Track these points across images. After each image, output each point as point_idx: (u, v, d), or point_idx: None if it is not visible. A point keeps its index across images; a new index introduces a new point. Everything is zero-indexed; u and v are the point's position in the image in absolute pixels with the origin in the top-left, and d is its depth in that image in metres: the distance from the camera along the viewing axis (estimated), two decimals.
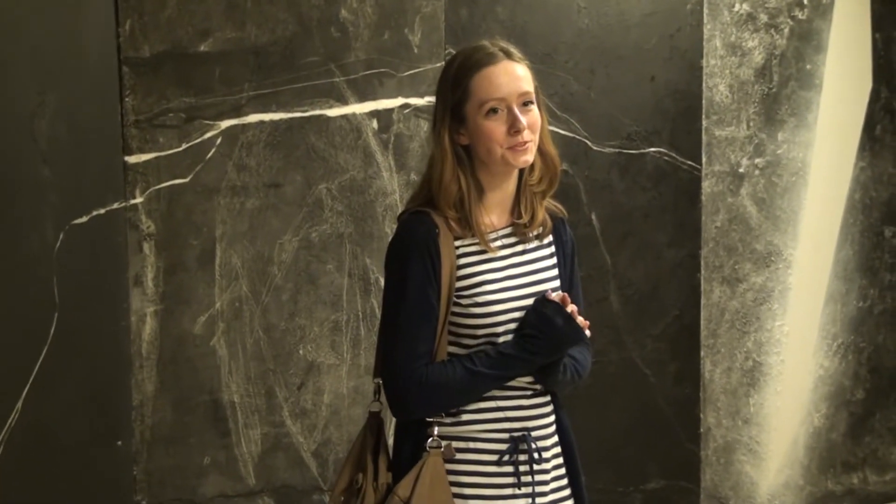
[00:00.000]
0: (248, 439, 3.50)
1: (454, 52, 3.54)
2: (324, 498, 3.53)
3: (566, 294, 2.17)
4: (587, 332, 2.16)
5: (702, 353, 3.94)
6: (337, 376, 3.55)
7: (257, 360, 3.49)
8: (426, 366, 2.13)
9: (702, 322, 3.94)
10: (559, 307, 2.13)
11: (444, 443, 2.15)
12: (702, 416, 3.95)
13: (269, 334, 3.49)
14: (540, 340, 2.14)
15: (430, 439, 2.15)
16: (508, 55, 2.17)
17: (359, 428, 2.34)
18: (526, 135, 2.13)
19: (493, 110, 2.13)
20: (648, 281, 3.86)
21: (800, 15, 3.97)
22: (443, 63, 3.54)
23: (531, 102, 2.16)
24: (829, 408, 4.15)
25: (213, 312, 3.45)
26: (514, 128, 2.12)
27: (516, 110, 2.13)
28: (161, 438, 3.41)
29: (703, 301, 3.93)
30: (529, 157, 2.16)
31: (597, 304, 3.79)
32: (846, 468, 4.20)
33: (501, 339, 2.17)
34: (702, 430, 3.95)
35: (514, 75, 2.15)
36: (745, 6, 3.92)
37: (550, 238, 2.30)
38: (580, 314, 2.22)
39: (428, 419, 2.16)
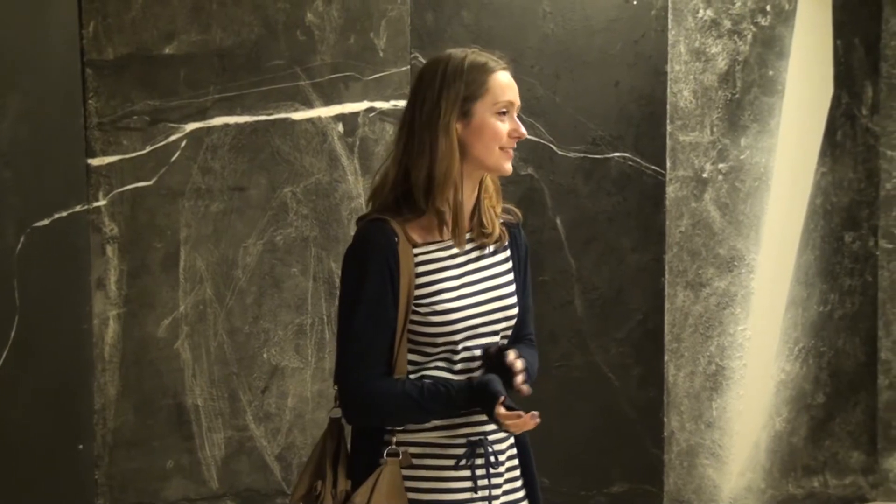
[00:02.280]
0: (211, 443, 3.49)
1: (420, 55, 3.55)
2: (287, 502, 3.53)
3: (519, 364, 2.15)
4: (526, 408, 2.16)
5: (665, 358, 3.96)
6: (301, 380, 3.54)
7: (221, 363, 3.48)
8: (379, 377, 2.14)
9: (665, 326, 3.96)
10: (497, 398, 2.12)
11: (401, 450, 2.16)
12: (665, 419, 3.97)
13: (233, 338, 3.49)
14: (476, 402, 2.16)
15: (387, 447, 2.16)
16: (506, 65, 2.25)
17: (323, 432, 2.34)
18: (516, 143, 2.23)
19: (503, 112, 2.20)
20: (613, 285, 3.88)
21: (763, 21, 4.00)
22: (408, 67, 3.55)
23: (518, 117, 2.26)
24: (791, 412, 4.18)
25: (177, 315, 3.44)
26: (516, 132, 2.21)
27: (516, 118, 2.22)
28: (123, 442, 3.39)
29: (666, 305, 3.95)
30: (511, 166, 2.24)
31: (561, 308, 3.81)
32: (807, 472, 4.24)
33: (461, 347, 2.18)
34: (665, 433, 3.97)
35: (515, 84, 2.24)
36: (709, 12, 3.94)
37: (506, 242, 2.32)
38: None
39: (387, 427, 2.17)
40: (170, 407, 3.44)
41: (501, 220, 2.32)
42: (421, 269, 2.17)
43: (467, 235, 2.25)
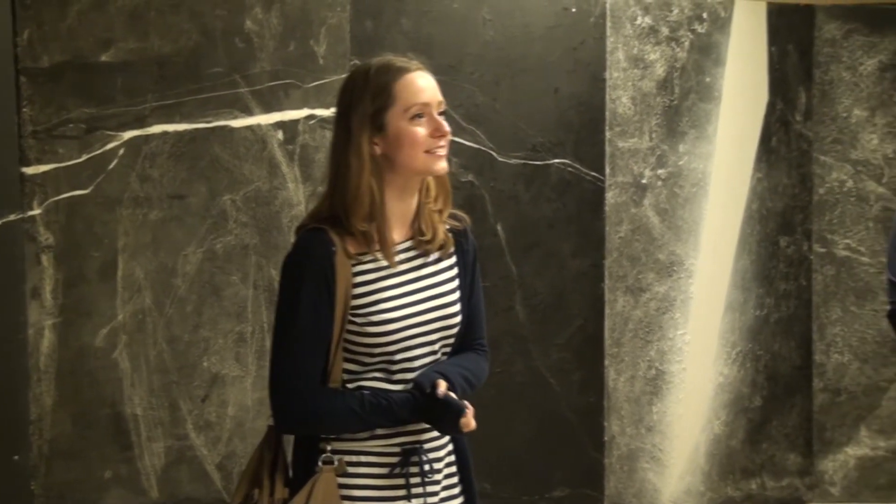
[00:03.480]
0: (150, 452, 3.46)
1: (359, 62, 3.54)
2: None
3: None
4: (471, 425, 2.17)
5: (606, 362, 3.99)
6: (241, 388, 3.53)
7: (160, 372, 3.46)
8: (314, 386, 2.13)
9: (606, 331, 3.98)
10: (462, 412, 2.13)
11: (336, 458, 2.16)
12: (606, 424, 3.99)
13: (173, 346, 3.46)
14: (427, 418, 2.17)
15: (323, 455, 2.15)
16: (419, 66, 2.19)
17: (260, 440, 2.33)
18: (444, 140, 2.16)
19: (419, 115, 2.14)
20: (553, 291, 3.90)
21: (699, 28, 4.05)
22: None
23: (443, 113, 2.19)
24: (729, 415, 4.23)
25: (116, 325, 3.42)
26: (438, 131, 2.14)
27: (437, 116, 2.16)
28: (60, 452, 3.36)
29: (606, 310, 3.98)
30: (446, 164, 2.19)
31: (502, 314, 3.83)
32: (745, 474, 4.28)
33: (398, 357, 2.17)
34: (606, 438, 4.00)
35: (431, 83, 2.18)
36: (647, 19, 3.98)
37: (452, 249, 2.30)
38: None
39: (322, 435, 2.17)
40: (108, 417, 3.42)
41: (448, 227, 2.30)
42: (359, 278, 2.16)
43: (408, 244, 2.23)
